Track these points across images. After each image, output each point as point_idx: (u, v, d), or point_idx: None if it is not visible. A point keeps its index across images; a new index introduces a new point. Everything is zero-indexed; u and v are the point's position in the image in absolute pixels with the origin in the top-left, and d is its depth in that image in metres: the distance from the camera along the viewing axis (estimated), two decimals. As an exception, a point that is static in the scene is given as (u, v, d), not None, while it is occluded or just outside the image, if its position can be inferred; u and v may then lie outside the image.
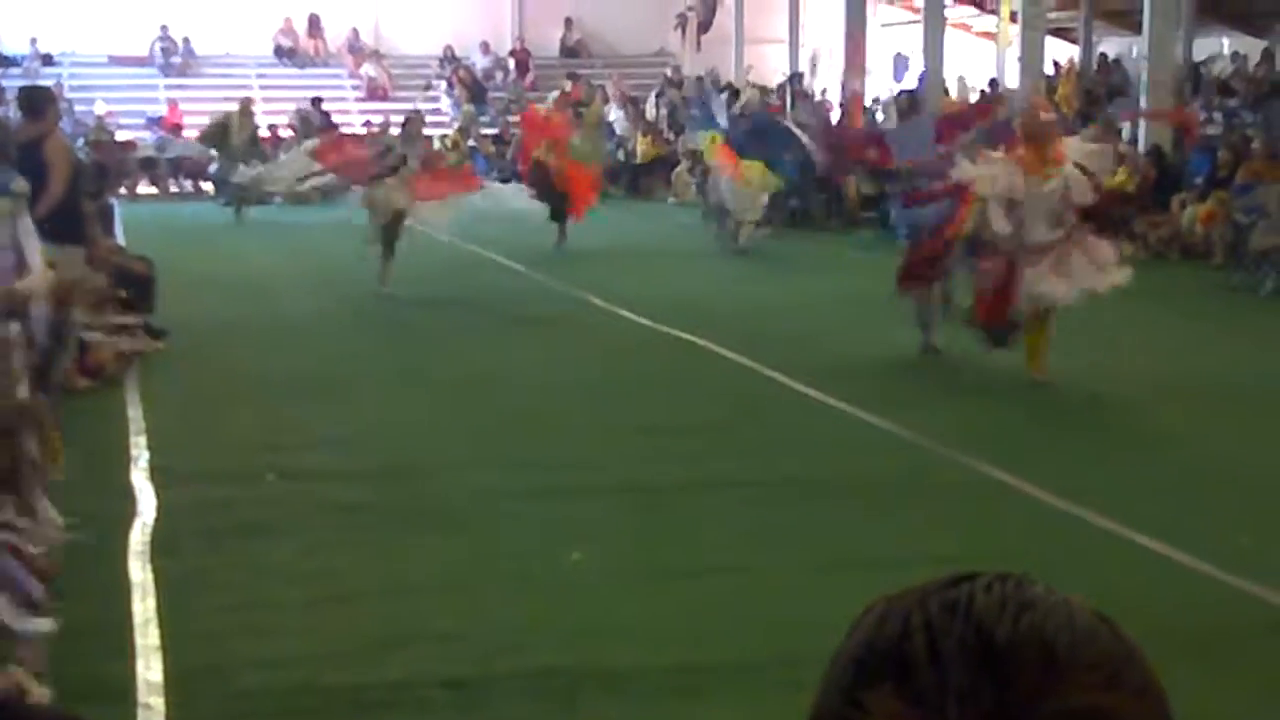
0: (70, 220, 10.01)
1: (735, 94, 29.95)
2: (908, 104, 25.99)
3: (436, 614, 6.17)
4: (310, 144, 16.83)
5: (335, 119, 31.37)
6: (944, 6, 28.32)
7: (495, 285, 15.77)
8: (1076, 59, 29.17)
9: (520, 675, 5.53)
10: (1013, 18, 26.95)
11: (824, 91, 30.67)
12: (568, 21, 35.45)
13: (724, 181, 19.56)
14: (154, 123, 30.30)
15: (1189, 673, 5.10)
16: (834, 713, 0.93)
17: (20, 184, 5.16)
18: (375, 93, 33.35)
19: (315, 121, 29.62)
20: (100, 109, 29.17)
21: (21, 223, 4.70)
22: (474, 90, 32.42)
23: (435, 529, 7.38)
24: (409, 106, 32.05)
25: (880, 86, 29.99)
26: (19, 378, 4.58)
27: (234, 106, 26.06)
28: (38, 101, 10.46)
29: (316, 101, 29.70)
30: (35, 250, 4.71)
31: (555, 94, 23.02)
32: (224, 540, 7.17)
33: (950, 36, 29.02)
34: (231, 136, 25.66)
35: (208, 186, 28.32)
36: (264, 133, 27.86)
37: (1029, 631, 0.90)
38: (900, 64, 17.98)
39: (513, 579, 6.61)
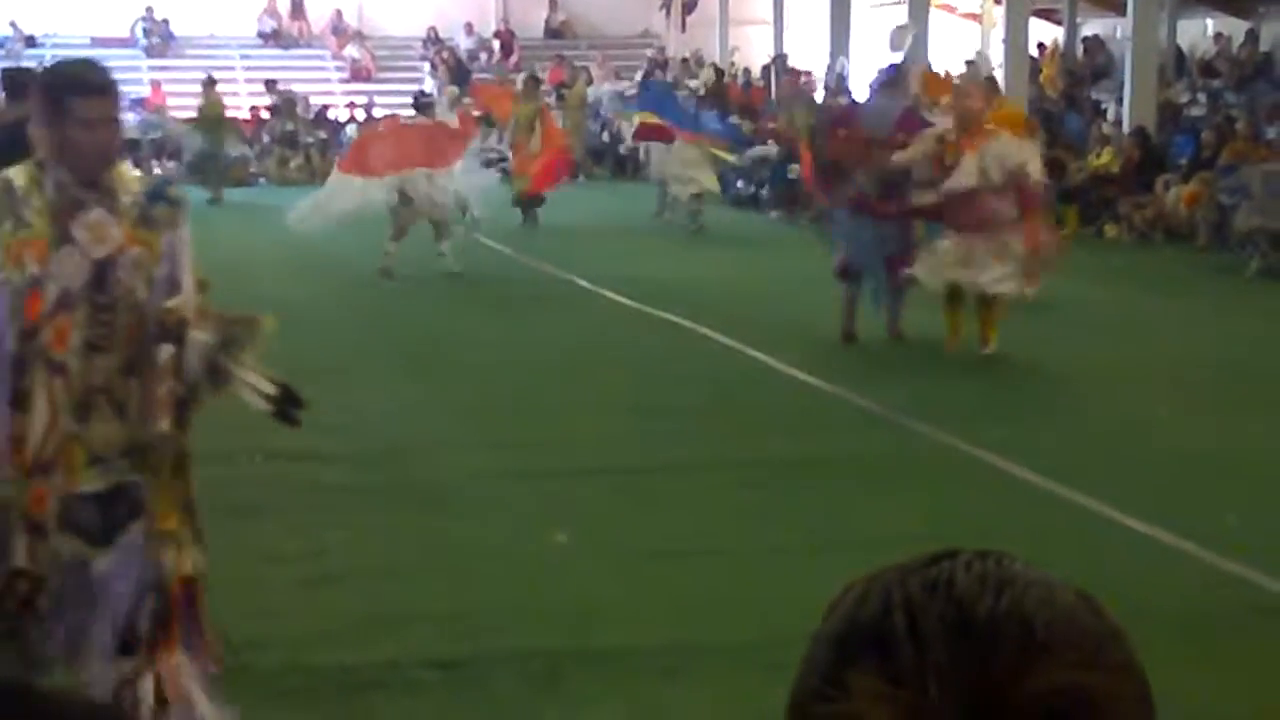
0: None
1: (719, 75, 29.94)
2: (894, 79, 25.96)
3: (424, 594, 6.18)
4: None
5: (318, 101, 31.33)
6: (929, -12, 28.27)
7: (481, 267, 15.74)
8: (1061, 40, 29.17)
9: (508, 655, 5.54)
10: (997, -1, 26.94)
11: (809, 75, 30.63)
12: (552, 2, 35.36)
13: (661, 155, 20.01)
14: (137, 104, 30.18)
15: (1172, 653, 5.13)
16: (815, 692, 0.93)
17: (178, 191, 4.62)
18: (359, 74, 33.26)
19: (296, 105, 29.58)
20: (83, 90, 29.06)
21: (180, 235, 4.23)
22: (457, 72, 32.33)
23: (422, 510, 7.39)
24: (392, 88, 32.07)
25: (871, 63, 29.91)
26: (164, 409, 4.20)
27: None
28: (20, 83, 10.37)
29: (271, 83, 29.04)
30: (188, 268, 4.32)
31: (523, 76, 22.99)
32: (210, 522, 7.15)
33: (935, 18, 28.99)
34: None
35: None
36: (245, 115, 27.84)
37: (1009, 609, 0.90)
38: (895, 36, 17.98)
39: (500, 560, 6.62)
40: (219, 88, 26.58)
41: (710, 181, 20.30)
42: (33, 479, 4.12)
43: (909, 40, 20.96)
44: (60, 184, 4.08)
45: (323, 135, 29.96)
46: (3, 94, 10.76)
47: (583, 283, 14.64)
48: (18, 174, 4.12)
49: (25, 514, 4.14)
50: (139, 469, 4.27)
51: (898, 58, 17.93)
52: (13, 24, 31.22)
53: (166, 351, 4.18)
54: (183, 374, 4.24)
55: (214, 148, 25.41)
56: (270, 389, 4.56)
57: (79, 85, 4.12)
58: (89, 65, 4.36)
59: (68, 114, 4.02)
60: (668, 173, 20.56)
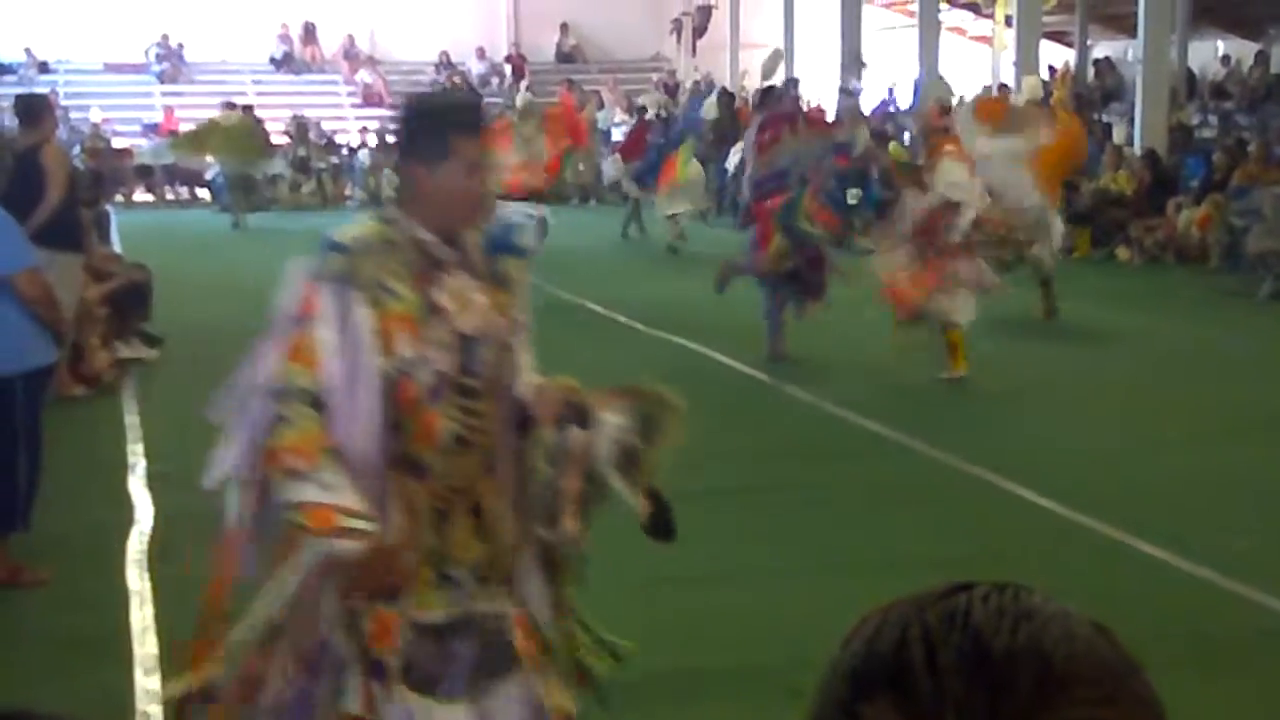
0: (68, 228, 10.01)
1: (731, 98, 29.97)
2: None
3: (435, 621, 6.16)
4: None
5: (330, 126, 31.43)
6: (939, 10, 28.36)
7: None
8: (1072, 63, 29.19)
9: (519, 682, 5.51)
10: (1008, 22, 26.98)
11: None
12: (563, 26, 35.46)
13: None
14: (150, 130, 30.30)
15: (1186, 678, 5.11)
16: None
17: (524, 235, 3.97)
18: (371, 99, 33.35)
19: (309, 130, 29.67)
20: (96, 116, 29.17)
21: (525, 291, 3.64)
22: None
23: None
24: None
25: (881, 85, 30.00)
26: (570, 507, 3.59)
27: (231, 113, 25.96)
28: (34, 109, 10.45)
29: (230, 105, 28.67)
30: (526, 346, 3.71)
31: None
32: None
33: (945, 40, 29.06)
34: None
35: (204, 193, 28.34)
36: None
37: (1027, 643, 0.90)
38: (766, 64, 17.96)
39: (511, 585, 6.60)
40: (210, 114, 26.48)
41: (698, 204, 20.45)
42: (376, 602, 3.40)
43: (779, 67, 21.11)
44: (419, 241, 3.42)
45: (335, 161, 30.04)
46: (17, 120, 10.80)
47: (592, 305, 14.63)
48: (368, 230, 3.47)
49: (365, 648, 3.39)
50: (493, 595, 3.53)
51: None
52: (27, 50, 31.35)
53: (577, 438, 3.57)
54: (587, 466, 3.59)
55: (246, 169, 25.24)
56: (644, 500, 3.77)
57: (469, 122, 3.47)
58: (473, 98, 3.76)
59: (449, 157, 3.37)
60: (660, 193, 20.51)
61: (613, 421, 3.59)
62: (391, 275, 3.36)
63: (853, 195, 19.15)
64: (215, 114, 25.86)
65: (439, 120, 3.45)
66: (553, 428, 3.58)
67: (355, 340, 3.31)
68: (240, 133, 25.10)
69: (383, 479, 3.36)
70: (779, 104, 12.87)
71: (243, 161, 24.94)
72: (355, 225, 3.51)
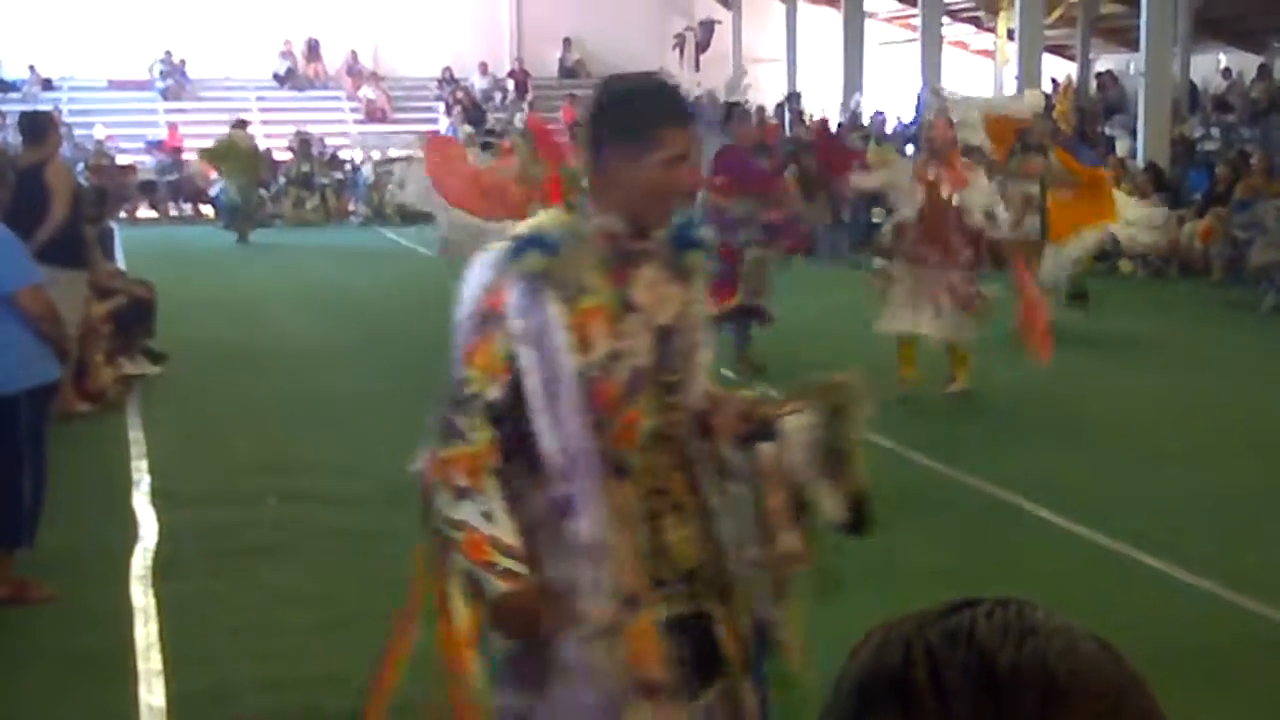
0: (72, 245, 10.02)
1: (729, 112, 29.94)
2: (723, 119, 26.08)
3: (439, 637, 6.16)
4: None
5: (333, 142, 31.48)
6: (941, 25, 28.41)
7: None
8: (1074, 76, 29.23)
9: (523, 697, 5.51)
10: (1010, 35, 27.02)
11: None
12: (566, 42, 35.52)
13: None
14: (154, 146, 30.36)
15: (1192, 691, 5.11)
16: None
17: (705, 228, 3.56)
18: (374, 115, 33.41)
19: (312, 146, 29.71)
20: (100, 133, 29.22)
21: (702, 285, 3.38)
22: (472, 112, 32.47)
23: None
24: (407, 129, 32.21)
25: (884, 100, 30.04)
26: (784, 518, 3.37)
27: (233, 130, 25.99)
28: (39, 126, 10.47)
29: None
30: (708, 343, 3.44)
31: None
32: (226, 564, 7.17)
33: (948, 55, 29.10)
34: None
35: (207, 209, 28.40)
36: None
37: (1031, 659, 0.90)
38: (730, 83, 17.84)
39: (515, 601, 6.59)
40: (227, 129, 26.52)
41: None
42: (621, 621, 3.21)
43: (744, 85, 21.18)
44: (611, 234, 3.24)
45: (339, 176, 30.09)
46: (21, 137, 10.82)
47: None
48: (554, 223, 3.28)
49: (630, 670, 3.20)
50: (700, 595, 3.35)
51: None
52: (31, 67, 31.42)
53: (767, 454, 3.36)
54: (787, 479, 3.36)
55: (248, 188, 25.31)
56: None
57: (674, 113, 3.24)
58: (671, 86, 3.42)
59: (653, 147, 3.16)
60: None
61: (798, 426, 3.37)
62: (585, 269, 3.20)
63: (876, 214, 18.96)
64: (229, 131, 25.89)
65: (644, 107, 3.22)
66: (734, 445, 3.40)
67: (549, 341, 3.15)
68: (250, 152, 25.24)
69: (594, 482, 3.18)
70: (741, 123, 12.76)
71: (250, 181, 25.07)
72: (541, 217, 3.33)
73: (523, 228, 3.29)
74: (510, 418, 3.19)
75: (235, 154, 24.98)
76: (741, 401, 3.45)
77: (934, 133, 11.18)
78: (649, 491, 3.27)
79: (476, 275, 3.25)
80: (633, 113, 3.21)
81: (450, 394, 3.25)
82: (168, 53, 32.56)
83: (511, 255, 3.20)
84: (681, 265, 3.38)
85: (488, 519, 3.14)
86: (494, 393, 3.17)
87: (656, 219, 3.26)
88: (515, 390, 3.18)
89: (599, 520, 3.17)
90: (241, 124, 26.34)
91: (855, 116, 28.10)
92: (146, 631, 6.20)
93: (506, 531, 3.14)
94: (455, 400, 3.22)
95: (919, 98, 26.95)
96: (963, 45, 34.33)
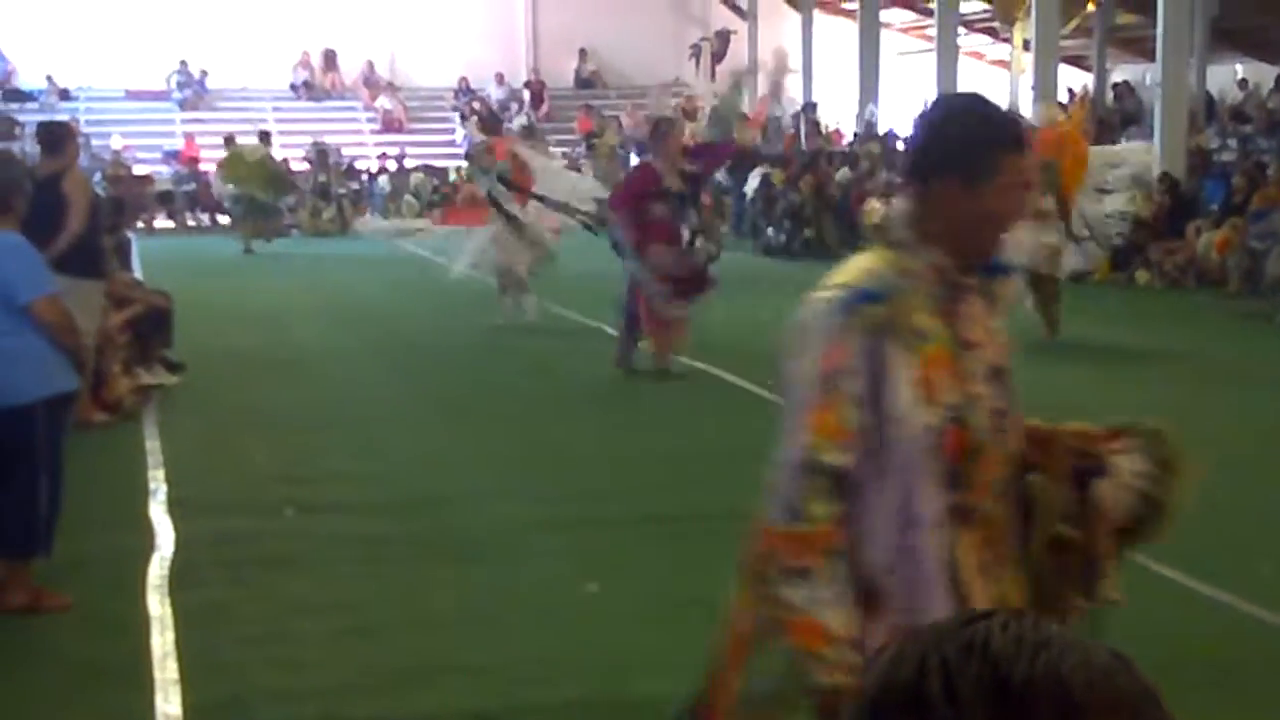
0: (89, 255, 10.05)
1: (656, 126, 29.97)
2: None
3: (458, 646, 6.17)
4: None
5: (350, 152, 31.54)
6: (957, 35, 28.39)
7: (503, 318, 15.75)
8: (1090, 87, 29.18)
9: (542, 708, 5.52)
10: (1025, 46, 26.99)
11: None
12: (582, 52, 35.57)
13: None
14: (171, 157, 30.44)
15: (1206, 702, 5.09)
16: None
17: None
18: (391, 125, 33.48)
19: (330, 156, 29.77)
20: (117, 143, 29.31)
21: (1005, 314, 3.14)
22: (489, 122, 32.52)
23: (455, 561, 7.38)
24: (424, 139, 32.26)
25: (900, 110, 30.04)
26: (1114, 566, 3.23)
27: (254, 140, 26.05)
28: (57, 137, 10.50)
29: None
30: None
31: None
32: (243, 573, 7.18)
33: (963, 65, 29.08)
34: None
35: (224, 220, 28.47)
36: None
37: (1046, 671, 0.90)
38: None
39: (534, 611, 6.61)
40: (244, 139, 26.56)
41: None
42: None
43: (670, 103, 20.98)
44: (942, 269, 2.99)
45: (355, 187, 30.15)
46: (40, 147, 10.86)
47: (611, 331, 14.62)
48: (882, 263, 3.01)
49: None
50: None
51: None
52: (48, 77, 31.52)
53: (1104, 492, 3.15)
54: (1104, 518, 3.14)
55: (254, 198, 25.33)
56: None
57: (1012, 138, 3.02)
58: (1005, 110, 3.17)
59: (991, 175, 2.94)
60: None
61: (1129, 468, 3.17)
62: (919, 312, 2.95)
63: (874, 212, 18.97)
64: (250, 142, 25.96)
65: (981, 133, 2.98)
66: (1066, 482, 3.15)
67: (896, 398, 2.91)
68: (257, 163, 25.31)
69: (946, 538, 2.95)
70: (662, 142, 12.67)
71: (259, 191, 25.12)
72: (864, 259, 3.05)
73: (848, 275, 3.02)
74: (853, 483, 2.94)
75: (242, 165, 25.06)
76: (1067, 436, 3.22)
77: None
78: (983, 540, 3.02)
79: (806, 331, 2.98)
80: (968, 139, 2.97)
81: (790, 459, 2.98)
82: (183, 63, 32.65)
83: (845, 310, 2.93)
84: (991, 294, 3.13)
85: (821, 606, 2.90)
86: (840, 459, 2.91)
87: (987, 251, 3.05)
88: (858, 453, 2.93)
89: (948, 582, 2.95)
90: (263, 136, 26.39)
91: (870, 127, 28.10)
92: (163, 640, 6.21)
93: (839, 621, 2.90)
94: (797, 467, 2.94)
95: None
96: (978, 56, 34.31)
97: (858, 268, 3.01)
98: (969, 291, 3.03)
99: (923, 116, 3.11)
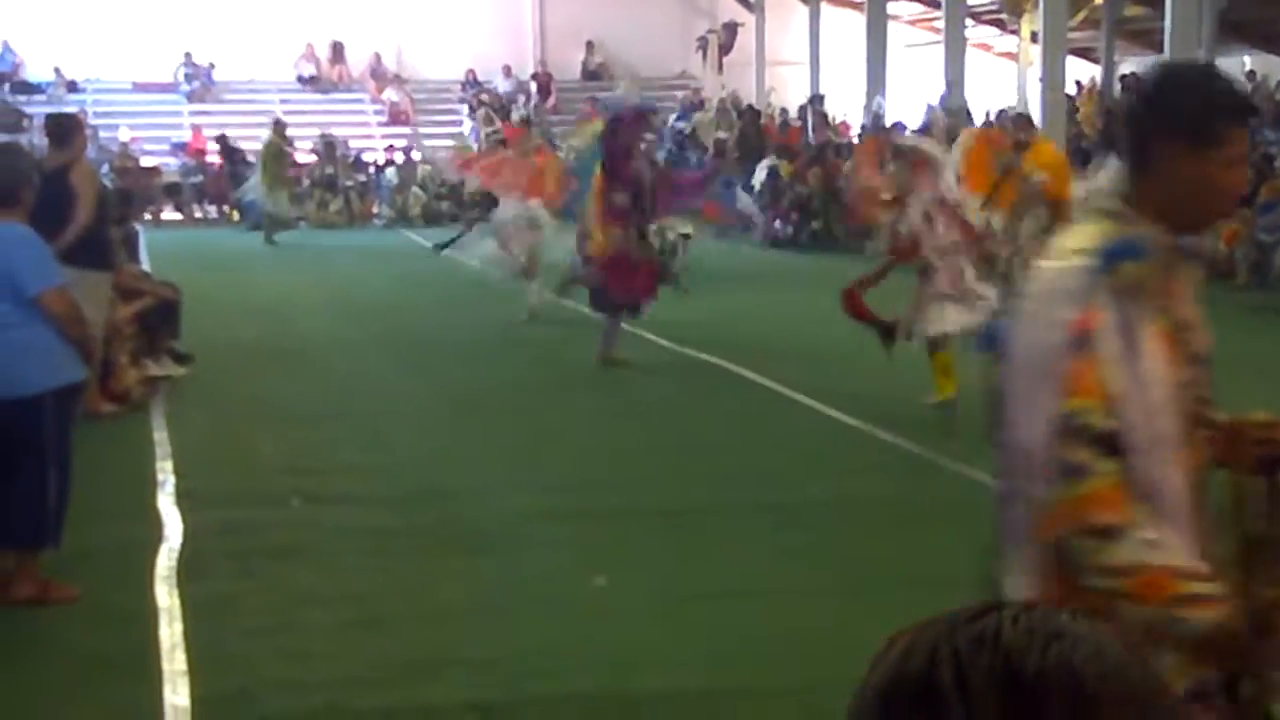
0: (97, 247, 10.05)
1: (757, 115, 29.94)
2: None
3: (463, 638, 6.18)
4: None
5: (357, 144, 31.53)
6: (965, 27, 28.35)
7: (516, 308, 15.74)
8: (1098, 79, 29.14)
9: (547, 699, 5.53)
10: (1034, 38, 26.95)
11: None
12: (589, 45, 35.53)
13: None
14: (178, 149, 30.45)
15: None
16: None
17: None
18: (397, 118, 33.47)
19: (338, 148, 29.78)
20: (125, 135, 29.31)
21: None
22: (499, 114, 32.51)
23: (461, 553, 7.39)
24: (431, 131, 32.25)
25: (906, 102, 30.02)
26: None
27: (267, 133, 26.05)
28: (65, 129, 10.51)
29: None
30: None
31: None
32: (251, 564, 7.19)
33: (971, 57, 29.04)
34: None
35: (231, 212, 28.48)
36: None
37: (1058, 663, 0.89)
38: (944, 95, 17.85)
39: (539, 603, 6.61)
40: (251, 130, 26.51)
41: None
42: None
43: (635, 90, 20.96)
44: (1168, 243, 2.83)
45: (362, 179, 30.15)
46: (47, 139, 10.87)
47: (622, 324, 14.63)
48: (1107, 228, 2.82)
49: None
50: None
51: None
52: (56, 69, 31.53)
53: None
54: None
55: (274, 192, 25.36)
56: None
57: (1240, 108, 2.87)
58: (1234, 79, 2.99)
59: (1218, 144, 2.78)
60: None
61: None
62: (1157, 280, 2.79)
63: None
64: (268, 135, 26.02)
65: (1210, 100, 2.82)
66: (1256, 475, 2.98)
67: (1147, 363, 2.73)
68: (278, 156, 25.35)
69: (1190, 529, 2.76)
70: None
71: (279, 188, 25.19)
72: (1090, 227, 2.85)
73: (1085, 239, 2.82)
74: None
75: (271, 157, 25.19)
76: (1252, 426, 3.06)
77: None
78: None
79: (1049, 295, 2.80)
80: (1196, 105, 2.81)
81: (1048, 428, 2.71)
82: (188, 54, 32.65)
83: (1105, 265, 2.75)
84: (1192, 275, 2.97)
85: (1156, 549, 2.64)
86: (1106, 423, 2.68)
87: (1204, 224, 2.95)
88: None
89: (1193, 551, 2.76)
90: (278, 125, 26.42)
91: (878, 119, 28.06)
92: (171, 632, 6.22)
93: (1181, 555, 2.68)
94: (1062, 435, 2.69)
95: (941, 100, 26.88)
96: (986, 48, 34.26)
97: (1093, 233, 2.82)
98: (1183, 268, 2.89)
99: (1145, 81, 2.95)
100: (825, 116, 30.48)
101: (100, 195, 10.51)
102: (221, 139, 29.26)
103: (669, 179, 13.97)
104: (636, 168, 12.87)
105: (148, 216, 26.54)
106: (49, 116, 11.47)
